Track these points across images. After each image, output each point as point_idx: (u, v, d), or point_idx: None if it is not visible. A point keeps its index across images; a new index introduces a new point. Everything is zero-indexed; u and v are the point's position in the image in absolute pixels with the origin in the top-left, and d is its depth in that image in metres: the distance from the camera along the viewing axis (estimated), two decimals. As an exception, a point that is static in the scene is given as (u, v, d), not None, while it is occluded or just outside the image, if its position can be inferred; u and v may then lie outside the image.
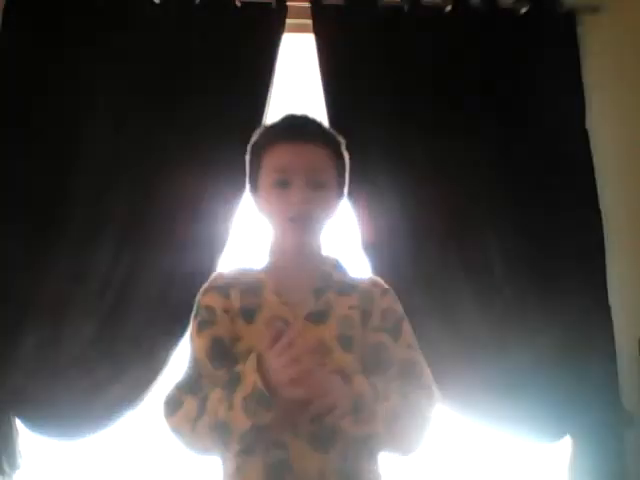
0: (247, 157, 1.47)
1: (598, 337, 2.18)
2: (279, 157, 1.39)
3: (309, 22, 2.33)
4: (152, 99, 2.20)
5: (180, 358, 2.13)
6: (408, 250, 2.19)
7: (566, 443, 2.16)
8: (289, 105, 2.37)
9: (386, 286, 1.46)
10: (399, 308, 1.43)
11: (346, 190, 1.47)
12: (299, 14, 2.34)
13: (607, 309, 2.22)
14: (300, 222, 1.36)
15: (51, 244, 2.10)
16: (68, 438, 2.08)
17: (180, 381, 1.36)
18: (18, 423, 2.06)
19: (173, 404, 1.32)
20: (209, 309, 1.38)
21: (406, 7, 2.35)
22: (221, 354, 1.32)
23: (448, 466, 2.20)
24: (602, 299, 2.22)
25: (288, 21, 2.32)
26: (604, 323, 2.20)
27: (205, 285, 1.45)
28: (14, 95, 2.21)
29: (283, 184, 1.37)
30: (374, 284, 1.46)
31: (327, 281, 1.41)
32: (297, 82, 2.40)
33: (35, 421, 2.06)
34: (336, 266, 1.46)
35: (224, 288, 1.40)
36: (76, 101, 2.20)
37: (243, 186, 2.18)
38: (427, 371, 1.39)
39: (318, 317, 1.36)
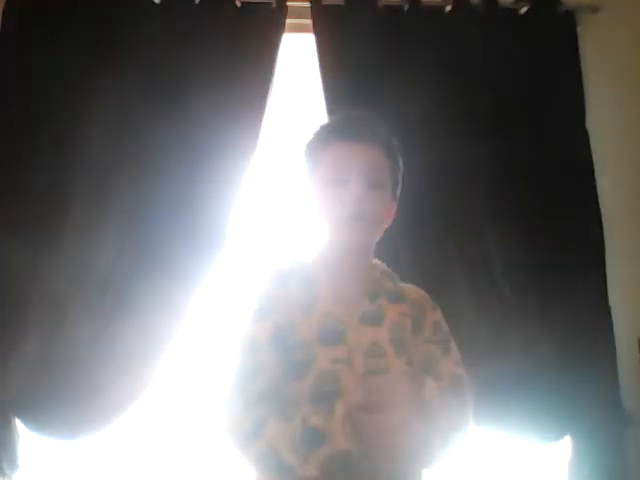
0: (304, 155, 1.44)
1: (598, 337, 2.18)
2: (338, 155, 1.38)
3: (309, 22, 2.33)
4: (152, 99, 2.20)
5: (180, 358, 2.14)
6: (408, 250, 2.18)
7: (566, 443, 2.16)
8: (289, 105, 2.38)
9: (431, 300, 1.47)
10: (446, 324, 1.45)
11: (398, 194, 1.46)
12: (299, 14, 2.34)
13: (607, 309, 2.22)
14: (358, 219, 1.35)
15: (51, 244, 2.10)
16: (68, 438, 2.08)
17: (237, 374, 1.30)
18: (18, 423, 2.06)
19: (230, 399, 1.28)
20: (269, 297, 1.36)
21: (406, 7, 2.35)
22: (281, 342, 1.30)
23: (449, 466, 2.19)
24: (602, 300, 2.22)
25: (288, 21, 2.32)
26: (604, 323, 2.20)
27: (264, 274, 1.43)
28: (14, 95, 2.20)
29: (342, 181, 1.36)
30: (424, 296, 1.47)
31: (378, 287, 1.42)
32: (297, 82, 2.39)
33: (35, 421, 2.05)
34: (385, 273, 1.47)
35: (283, 278, 1.39)
36: (76, 101, 2.19)
37: (242, 185, 2.21)
38: (471, 389, 1.40)
39: (372, 319, 1.36)
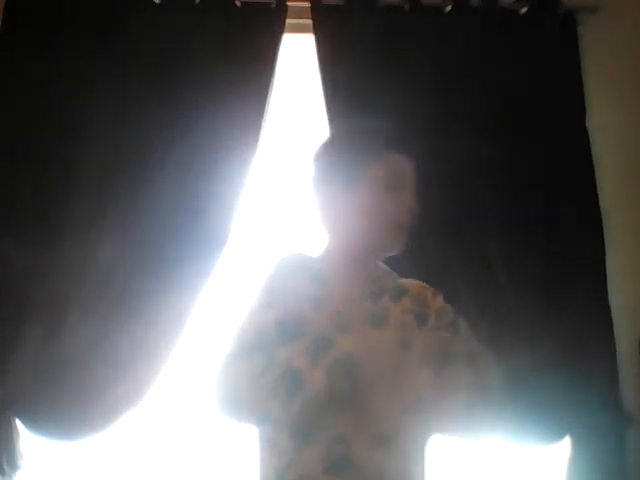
0: (352, 148, 1.45)
1: (598, 337, 2.18)
2: (395, 163, 1.43)
3: (309, 22, 2.33)
4: (152, 99, 2.20)
5: (180, 358, 2.14)
6: (408, 250, 2.18)
7: (566, 443, 2.16)
8: (289, 105, 2.38)
9: (432, 288, 1.50)
10: (449, 306, 1.48)
11: None
12: (299, 14, 2.34)
13: (607, 309, 2.22)
14: (406, 228, 1.41)
15: (51, 244, 2.10)
16: (68, 439, 2.08)
17: (240, 342, 1.32)
18: (18, 423, 2.06)
19: (232, 359, 1.30)
20: (278, 287, 1.38)
21: (406, 7, 2.35)
22: (288, 332, 1.32)
23: (449, 468, 2.19)
24: (602, 299, 2.22)
25: (288, 21, 2.32)
26: (604, 323, 2.20)
27: (274, 265, 1.44)
28: (14, 95, 2.20)
29: (395, 188, 1.40)
30: (423, 287, 1.49)
31: (381, 286, 1.44)
32: (297, 82, 2.39)
33: (35, 422, 2.05)
34: (386, 273, 1.49)
35: (292, 270, 1.41)
36: (76, 101, 2.20)
37: (243, 185, 2.21)
38: (490, 358, 1.45)
39: (377, 321, 1.38)
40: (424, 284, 1.49)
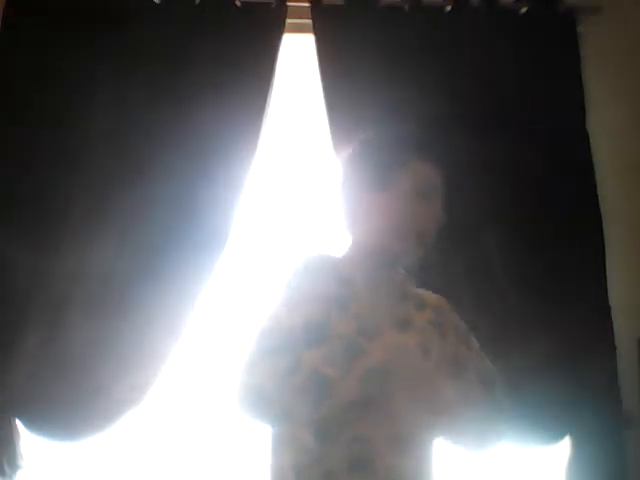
0: (384, 151, 1.44)
1: (598, 337, 2.18)
2: (427, 171, 1.42)
3: (309, 22, 2.33)
4: (152, 99, 2.20)
5: (180, 359, 2.14)
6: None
7: (566, 443, 2.16)
8: (289, 105, 2.38)
9: (447, 302, 1.51)
10: (463, 321, 1.51)
11: None
12: (299, 14, 2.34)
13: (607, 309, 2.22)
14: (430, 237, 1.41)
15: (51, 244, 2.10)
16: (69, 439, 2.08)
17: (265, 341, 1.30)
18: (18, 424, 2.05)
19: (257, 359, 1.29)
20: (303, 288, 1.37)
21: (406, 7, 2.35)
22: (314, 334, 1.30)
23: (449, 467, 2.19)
24: (602, 300, 2.23)
25: (288, 21, 2.32)
26: (604, 323, 2.20)
27: (299, 265, 1.43)
28: (14, 94, 2.20)
29: (425, 196, 1.40)
30: (440, 299, 1.50)
31: (404, 291, 1.45)
32: (297, 82, 2.39)
33: (35, 422, 2.05)
34: (407, 278, 1.49)
35: (317, 271, 1.40)
36: (76, 101, 2.20)
37: (243, 186, 2.21)
38: (497, 375, 1.47)
39: (402, 325, 1.39)
40: (440, 297, 1.50)
